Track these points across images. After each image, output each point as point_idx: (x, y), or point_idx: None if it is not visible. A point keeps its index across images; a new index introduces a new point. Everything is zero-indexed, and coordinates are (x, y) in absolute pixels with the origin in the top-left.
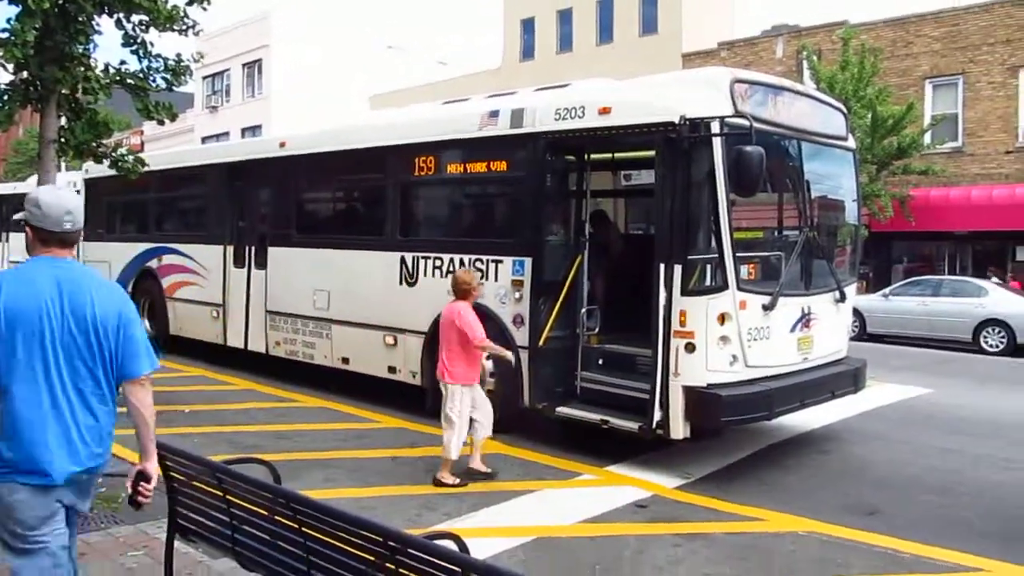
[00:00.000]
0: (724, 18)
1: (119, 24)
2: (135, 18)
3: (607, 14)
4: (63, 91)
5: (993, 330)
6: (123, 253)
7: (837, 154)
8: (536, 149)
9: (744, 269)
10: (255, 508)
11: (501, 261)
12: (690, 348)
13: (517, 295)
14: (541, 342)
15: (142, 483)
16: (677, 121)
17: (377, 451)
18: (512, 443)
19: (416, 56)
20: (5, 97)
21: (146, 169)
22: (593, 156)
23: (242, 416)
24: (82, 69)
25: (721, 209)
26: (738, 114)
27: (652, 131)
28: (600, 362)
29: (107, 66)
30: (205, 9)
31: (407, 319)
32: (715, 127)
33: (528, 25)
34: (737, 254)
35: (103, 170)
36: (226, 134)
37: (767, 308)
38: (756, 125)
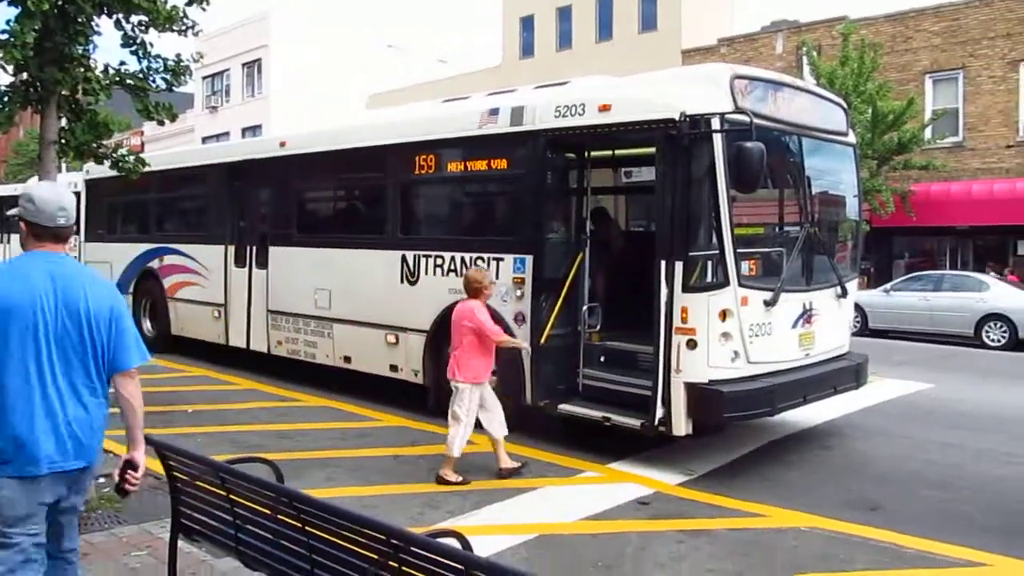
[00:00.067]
0: (723, 14)
1: (118, 25)
2: (134, 19)
3: (606, 11)
4: (63, 92)
5: (995, 324)
6: (124, 254)
7: (838, 149)
8: (536, 147)
9: (745, 265)
10: (258, 507)
11: (502, 259)
12: (692, 344)
13: (518, 293)
14: (543, 340)
15: (129, 471)
16: (677, 118)
17: (379, 450)
18: (514, 441)
19: (415, 55)
20: (5, 99)
21: (147, 169)
22: (593, 153)
23: (244, 416)
24: (82, 70)
25: (722, 205)
26: (738, 110)
27: (652, 128)
28: (602, 359)
29: (107, 67)
30: (204, 9)
31: (408, 317)
32: (715, 123)
33: (527, 23)
34: (738, 250)
35: (103, 171)
36: (226, 134)
37: (768, 304)
38: (756, 121)
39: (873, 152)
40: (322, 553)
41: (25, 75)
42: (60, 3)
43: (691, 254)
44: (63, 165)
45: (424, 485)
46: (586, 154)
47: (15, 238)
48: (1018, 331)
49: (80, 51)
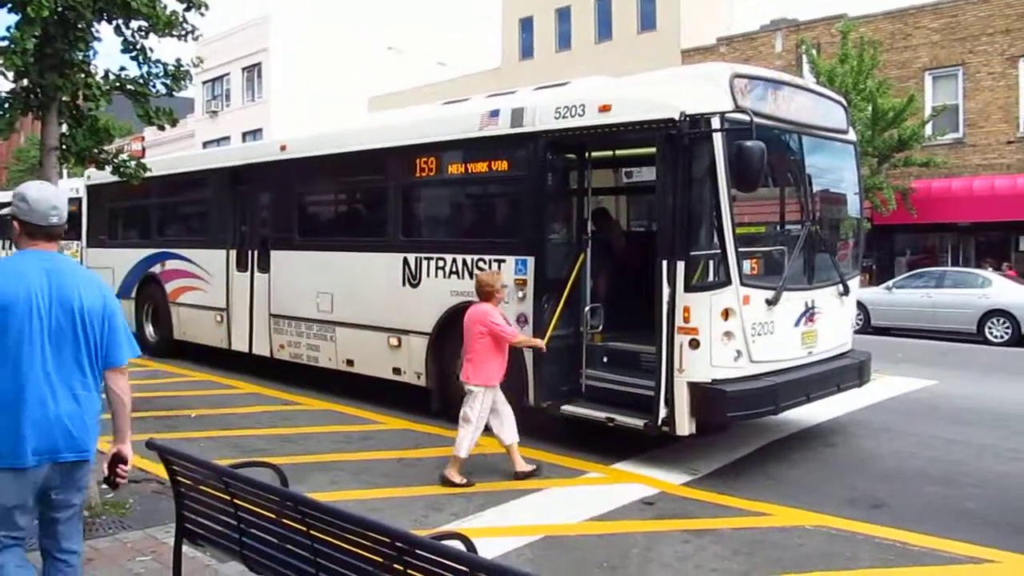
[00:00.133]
0: (722, 13)
1: (118, 30)
2: (134, 24)
3: (605, 11)
4: (64, 98)
5: (998, 321)
6: (126, 259)
7: (838, 147)
8: (537, 148)
9: (747, 264)
10: (262, 511)
11: (504, 260)
12: (694, 344)
13: (520, 294)
14: (545, 341)
15: (120, 465)
16: (677, 117)
17: (383, 453)
18: (518, 442)
19: (415, 57)
20: (6, 105)
21: (148, 175)
22: (594, 154)
23: (248, 420)
24: (82, 76)
25: (723, 204)
26: (738, 109)
27: (653, 128)
28: (604, 360)
29: (107, 72)
30: (203, 14)
31: (411, 320)
32: (715, 123)
33: (527, 24)
34: (740, 249)
35: (105, 176)
36: (227, 138)
37: (771, 303)
38: (756, 120)
39: (874, 149)
40: (326, 557)
41: (26, 81)
42: (60, 9)
43: (693, 253)
44: (64, 171)
45: (428, 488)
46: (587, 155)
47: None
48: (1021, 327)
49: (80, 57)
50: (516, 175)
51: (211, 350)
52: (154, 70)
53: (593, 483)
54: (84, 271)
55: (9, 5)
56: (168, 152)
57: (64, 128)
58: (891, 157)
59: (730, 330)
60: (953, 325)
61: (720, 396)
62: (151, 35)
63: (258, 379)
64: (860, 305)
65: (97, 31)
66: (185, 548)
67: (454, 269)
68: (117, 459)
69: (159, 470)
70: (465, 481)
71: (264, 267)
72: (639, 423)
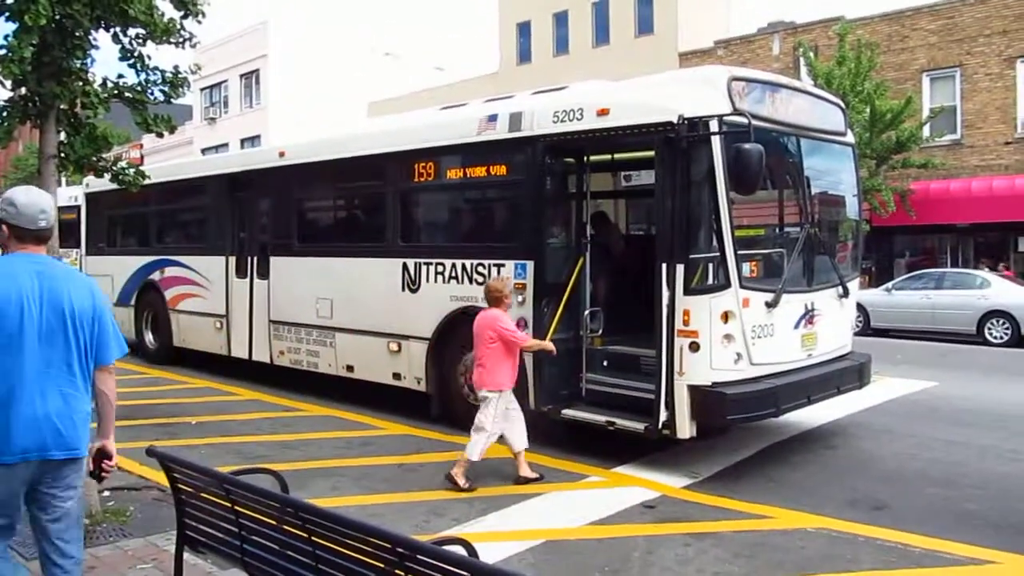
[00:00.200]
0: (719, 16)
1: (116, 38)
2: (132, 32)
3: (602, 16)
4: (62, 106)
5: (997, 322)
6: (125, 266)
7: (836, 149)
8: (535, 152)
9: (746, 267)
10: (263, 518)
11: (503, 265)
12: (694, 347)
13: (520, 298)
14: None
15: (105, 461)
16: (675, 121)
17: (383, 458)
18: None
19: (413, 63)
20: (4, 113)
21: (146, 182)
22: (592, 158)
23: (248, 426)
24: (80, 84)
25: (722, 207)
26: (736, 112)
27: (651, 131)
28: (604, 363)
29: (105, 80)
30: (200, 22)
31: (411, 325)
32: (713, 126)
33: (524, 29)
34: (739, 252)
35: (103, 184)
36: (225, 145)
37: (770, 305)
38: (755, 123)
39: (872, 151)
40: (328, 563)
41: (24, 90)
42: (58, 17)
43: (692, 256)
44: (63, 179)
45: (429, 493)
46: (585, 158)
47: None
48: (1020, 328)
49: (78, 65)
50: (515, 179)
51: (211, 357)
52: (152, 77)
53: (594, 487)
54: (74, 273)
55: (6, 14)
56: (166, 159)
57: (62, 136)
58: (889, 159)
59: (730, 333)
60: (953, 326)
61: (720, 399)
62: (149, 43)
63: (258, 385)
64: (860, 307)
65: (95, 39)
66: (186, 555)
67: (453, 274)
68: (102, 454)
69: (160, 477)
70: (468, 485)
71: (263, 273)
72: (639, 427)
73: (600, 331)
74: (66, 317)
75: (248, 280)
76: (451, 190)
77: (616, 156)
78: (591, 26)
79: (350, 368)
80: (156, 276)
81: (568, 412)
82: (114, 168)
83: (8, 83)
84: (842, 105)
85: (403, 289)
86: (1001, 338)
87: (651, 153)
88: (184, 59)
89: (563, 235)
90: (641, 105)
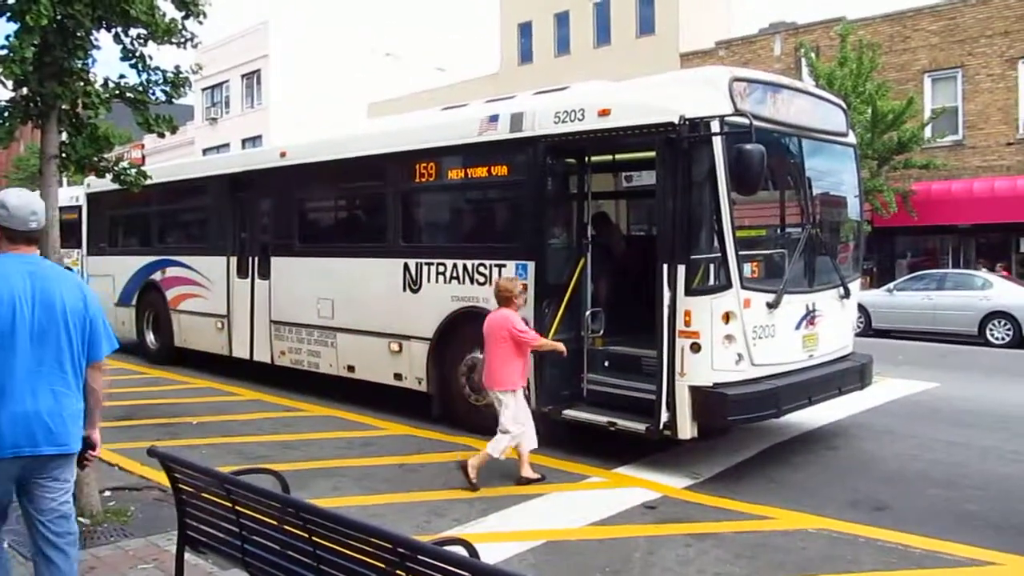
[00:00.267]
0: (721, 17)
1: (117, 38)
2: (133, 32)
3: (604, 16)
4: (63, 106)
5: (999, 322)
6: (126, 267)
7: (838, 150)
8: (536, 153)
9: (747, 267)
10: (264, 518)
11: (504, 265)
12: (695, 348)
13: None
14: None
15: (88, 450)
16: (677, 121)
17: (384, 458)
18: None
19: (414, 63)
20: (5, 114)
21: (148, 182)
22: (594, 158)
23: (249, 427)
24: (82, 84)
25: (723, 208)
26: (738, 112)
27: (652, 132)
28: (606, 364)
29: (106, 80)
30: (201, 23)
31: (412, 325)
32: (715, 126)
33: (525, 29)
34: (740, 252)
35: (105, 184)
36: (226, 145)
37: (771, 306)
38: (756, 123)
39: (873, 152)
40: (329, 563)
41: (25, 90)
42: (59, 18)
43: (693, 257)
44: (64, 179)
45: (430, 493)
46: (586, 159)
47: None
48: (1022, 329)
49: (80, 65)
50: (516, 180)
51: (212, 357)
52: (153, 77)
53: (595, 487)
54: (65, 274)
55: (8, 14)
56: (168, 159)
57: (64, 136)
58: (891, 159)
59: (731, 334)
60: (954, 327)
61: (721, 400)
62: (150, 43)
63: (259, 386)
64: (861, 307)
65: (96, 39)
66: (187, 555)
67: (455, 274)
68: (86, 444)
69: (161, 477)
70: (476, 482)
71: (265, 273)
72: (641, 427)
73: (601, 332)
74: (58, 317)
75: (249, 280)
76: (452, 191)
77: (617, 157)
78: (592, 26)
79: (351, 368)
80: (157, 276)
81: (569, 413)
82: (115, 168)
83: (9, 83)
84: (843, 106)
85: (404, 289)
86: (1003, 339)
87: (652, 153)
88: (185, 59)
89: (564, 235)
90: (642, 105)
